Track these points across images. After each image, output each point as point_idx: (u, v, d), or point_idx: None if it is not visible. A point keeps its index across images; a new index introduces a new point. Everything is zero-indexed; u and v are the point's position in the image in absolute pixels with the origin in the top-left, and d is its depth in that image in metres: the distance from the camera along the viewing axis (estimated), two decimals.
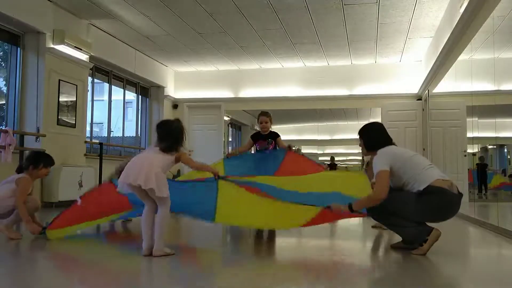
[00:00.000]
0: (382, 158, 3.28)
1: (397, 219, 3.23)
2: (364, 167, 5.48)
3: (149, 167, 2.88)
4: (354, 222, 5.01)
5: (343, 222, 4.66)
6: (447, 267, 2.81)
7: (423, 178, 3.17)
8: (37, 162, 3.79)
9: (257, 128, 5.00)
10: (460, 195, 3.19)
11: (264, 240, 4.01)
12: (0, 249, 3.32)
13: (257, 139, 4.93)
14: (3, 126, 6.28)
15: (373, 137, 3.48)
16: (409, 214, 3.18)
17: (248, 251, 3.50)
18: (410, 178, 3.22)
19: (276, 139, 4.84)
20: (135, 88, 9.58)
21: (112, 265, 2.87)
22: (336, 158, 13.71)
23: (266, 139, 4.84)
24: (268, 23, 7.27)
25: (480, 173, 9.48)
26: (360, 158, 12.83)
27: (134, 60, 8.86)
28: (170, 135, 3.05)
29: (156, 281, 2.50)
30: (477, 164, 9.53)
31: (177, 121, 3.16)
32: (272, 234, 4.15)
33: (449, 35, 6.05)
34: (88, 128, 7.83)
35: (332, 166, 12.33)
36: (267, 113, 4.89)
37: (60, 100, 6.72)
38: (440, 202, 3.12)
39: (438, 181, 3.13)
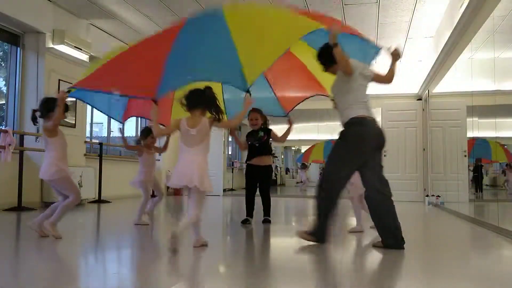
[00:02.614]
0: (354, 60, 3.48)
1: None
2: None
3: (201, 171, 3.09)
4: (353, 222, 4.99)
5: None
6: (446, 267, 2.81)
7: (355, 111, 3.42)
8: (51, 107, 3.81)
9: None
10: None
11: (258, 238, 4.02)
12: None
13: (249, 136, 4.77)
14: (3, 126, 6.28)
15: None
16: (338, 159, 3.32)
17: (243, 250, 3.49)
18: (351, 100, 3.50)
19: (270, 133, 4.72)
20: None
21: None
22: None
23: (257, 132, 4.66)
24: None
25: (476, 175, 9.44)
26: None
27: None
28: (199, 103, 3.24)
29: (158, 281, 2.50)
30: (474, 166, 9.49)
31: (207, 89, 3.31)
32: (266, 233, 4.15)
33: (449, 35, 6.05)
34: (88, 128, 7.83)
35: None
36: (259, 110, 4.64)
37: None
38: (359, 131, 3.33)
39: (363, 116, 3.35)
